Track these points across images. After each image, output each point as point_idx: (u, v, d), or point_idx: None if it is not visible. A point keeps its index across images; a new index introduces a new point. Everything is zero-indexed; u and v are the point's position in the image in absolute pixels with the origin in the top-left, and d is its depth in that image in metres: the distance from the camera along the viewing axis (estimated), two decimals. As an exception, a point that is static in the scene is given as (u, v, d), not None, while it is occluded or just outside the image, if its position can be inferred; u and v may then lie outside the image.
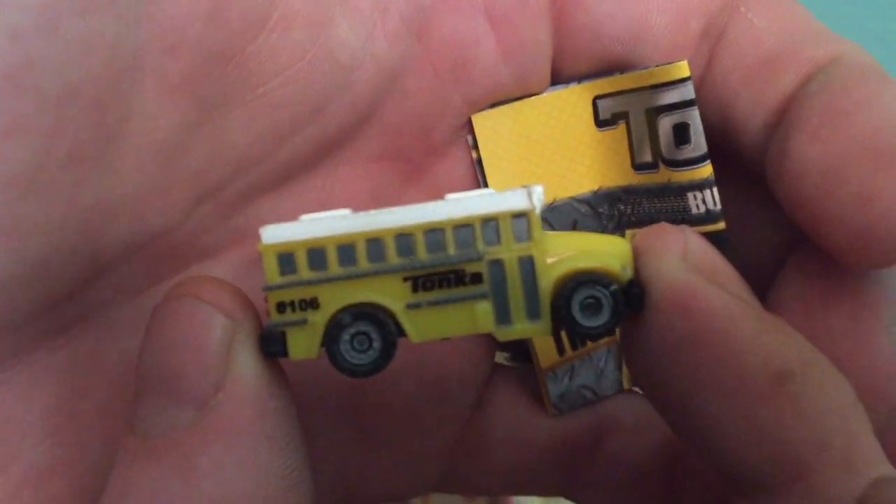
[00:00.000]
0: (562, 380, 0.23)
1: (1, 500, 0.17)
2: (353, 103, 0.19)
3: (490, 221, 0.16)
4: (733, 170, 0.21)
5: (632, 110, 0.21)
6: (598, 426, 0.23)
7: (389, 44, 0.20)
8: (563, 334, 0.23)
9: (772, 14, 0.21)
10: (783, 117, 0.20)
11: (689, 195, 0.21)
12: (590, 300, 0.17)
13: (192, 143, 0.18)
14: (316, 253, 0.16)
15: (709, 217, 0.21)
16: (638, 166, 0.22)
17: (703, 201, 0.21)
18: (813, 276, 0.20)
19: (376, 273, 0.16)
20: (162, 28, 0.16)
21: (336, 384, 0.20)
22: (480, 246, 0.16)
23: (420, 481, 0.23)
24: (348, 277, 0.16)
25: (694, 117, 0.21)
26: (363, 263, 0.16)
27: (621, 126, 0.22)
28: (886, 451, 0.16)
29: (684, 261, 0.17)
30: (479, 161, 0.22)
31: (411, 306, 0.16)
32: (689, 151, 0.21)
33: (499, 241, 0.16)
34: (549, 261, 0.17)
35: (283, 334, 0.17)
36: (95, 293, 0.18)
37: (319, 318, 0.16)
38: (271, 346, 0.17)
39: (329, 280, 0.16)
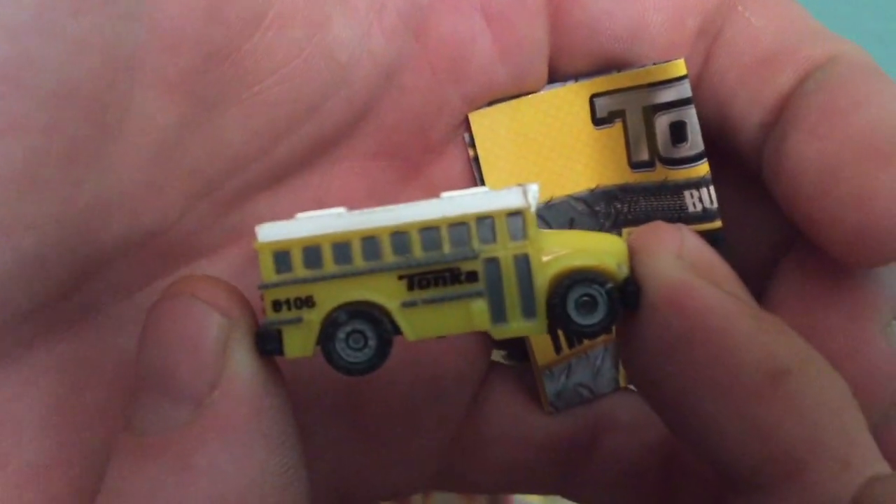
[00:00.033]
0: (558, 378, 0.23)
1: (-2, 498, 0.17)
2: (350, 101, 0.19)
3: (485, 220, 0.16)
4: (730, 168, 0.21)
5: (628, 108, 0.21)
6: (594, 424, 0.23)
7: (386, 41, 0.20)
8: (560, 332, 0.23)
9: (769, 13, 0.21)
10: (780, 116, 0.20)
11: (686, 193, 0.21)
12: (585, 298, 0.17)
13: (189, 141, 0.18)
14: (311, 251, 0.16)
15: (705, 215, 0.21)
16: (635, 164, 0.22)
17: (700, 200, 0.21)
18: (809, 274, 0.20)
19: (372, 271, 0.16)
20: (160, 26, 0.16)
21: (332, 382, 0.20)
22: (476, 244, 0.16)
23: (416, 479, 0.23)
24: (344, 276, 0.16)
25: (691, 116, 0.21)
26: (359, 262, 0.16)
27: (618, 124, 0.22)
28: (882, 449, 0.16)
29: (680, 259, 0.17)
30: (476, 159, 0.22)
31: (407, 304, 0.16)
32: (685, 150, 0.21)
33: (494, 239, 0.16)
34: (545, 259, 0.17)
35: (279, 332, 0.17)
36: (92, 291, 0.18)
37: (315, 317, 0.16)
38: (267, 344, 0.17)
39: (325, 278, 0.16)
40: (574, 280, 0.17)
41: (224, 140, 0.18)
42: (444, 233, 0.16)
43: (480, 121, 0.21)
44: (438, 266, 0.16)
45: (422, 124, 0.21)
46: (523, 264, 0.17)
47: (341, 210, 0.17)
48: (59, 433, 0.18)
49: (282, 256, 0.16)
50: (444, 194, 0.17)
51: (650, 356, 0.17)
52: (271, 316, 0.17)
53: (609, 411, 0.23)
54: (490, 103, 0.21)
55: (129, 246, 0.18)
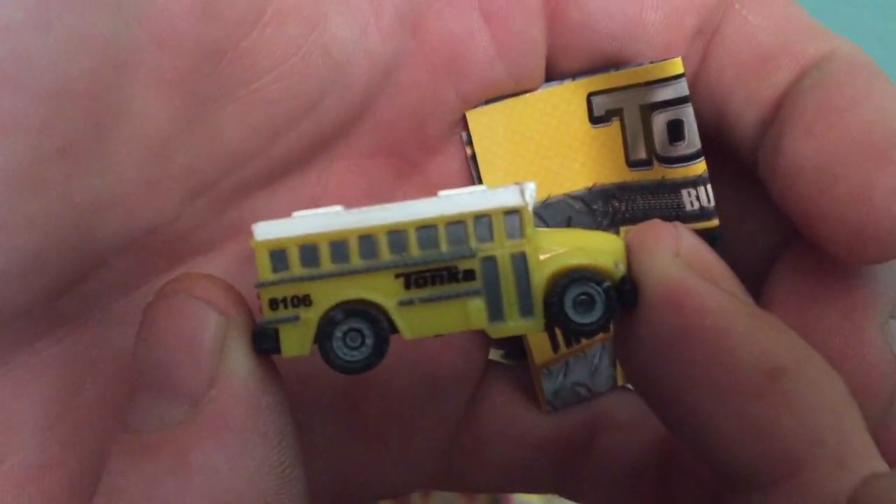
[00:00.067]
0: (556, 376, 0.23)
1: (-4, 496, 0.17)
2: (347, 99, 0.19)
3: (482, 218, 0.16)
4: (727, 167, 0.21)
5: (626, 107, 0.21)
6: (592, 423, 0.23)
7: (383, 39, 0.20)
8: (558, 331, 0.23)
9: (766, 11, 0.21)
10: (777, 114, 0.20)
11: (683, 192, 0.21)
12: (582, 297, 0.17)
13: (186, 139, 0.18)
14: (308, 250, 0.16)
15: (703, 214, 0.21)
16: (632, 163, 0.22)
17: (697, 198, 0.21)
18: (806, 272, 0.20)
19: (369, 270, 0.16)
20: (156, 24, 0.16)
21: (329, 381, 0.20)
22: (473, 243, 0.16)
23: (414, 478, 0.23)
24: (341, 274, 0.16)
25: (688, 114, 0.21)
26: (355, 260, 0.16)
27: (615, 123, 0.22)
28: (879, 447, 0.16)
29: (677, 257, 0.17)
30: (474, 157, 0.22)
31: (404, 303, 0.16)
32: (683, 148, 0.21)
33: (491, 237, 0.16)
34: (542, 257, 0.17)
35: (276, 331, 0.17)
36: (90, 288, 0.18)
37: (312, 315, 0.16)
38: (264, 342, 0.17)
39: (321, 277, 0.16)
40: (571, 278, 0.17)
41: (221, 138, 0.18)
42: (442, 231, 0.16)
43: (478, 119, 0.21)
44: (436, 265, 0.16)
45: (419, 122, 0.21)
46: (520, 263, 0.17)
47: (338, 208, 0.17)
48: (57, 431, 0.18)
49: (278, 255, 0.16)
50: (442, 193, 0.17)
51: (648, 354, 0.17)
52: (268, 314, 0.17)
53: (607, 410, 0.23)
54: (487, 102, 0.21)
55: (126, 243, 0.18)
